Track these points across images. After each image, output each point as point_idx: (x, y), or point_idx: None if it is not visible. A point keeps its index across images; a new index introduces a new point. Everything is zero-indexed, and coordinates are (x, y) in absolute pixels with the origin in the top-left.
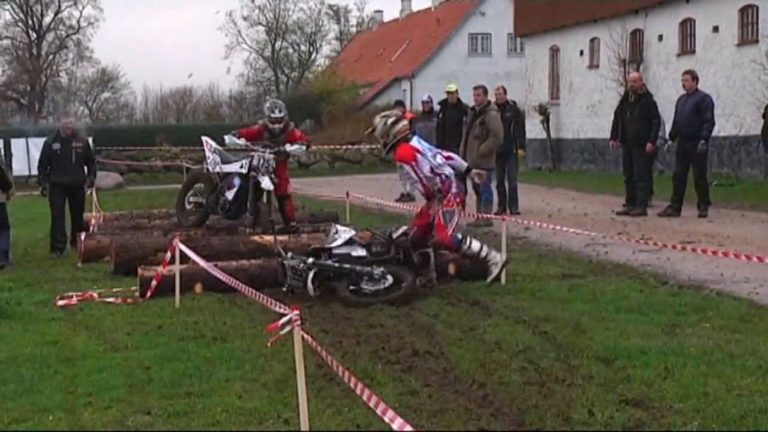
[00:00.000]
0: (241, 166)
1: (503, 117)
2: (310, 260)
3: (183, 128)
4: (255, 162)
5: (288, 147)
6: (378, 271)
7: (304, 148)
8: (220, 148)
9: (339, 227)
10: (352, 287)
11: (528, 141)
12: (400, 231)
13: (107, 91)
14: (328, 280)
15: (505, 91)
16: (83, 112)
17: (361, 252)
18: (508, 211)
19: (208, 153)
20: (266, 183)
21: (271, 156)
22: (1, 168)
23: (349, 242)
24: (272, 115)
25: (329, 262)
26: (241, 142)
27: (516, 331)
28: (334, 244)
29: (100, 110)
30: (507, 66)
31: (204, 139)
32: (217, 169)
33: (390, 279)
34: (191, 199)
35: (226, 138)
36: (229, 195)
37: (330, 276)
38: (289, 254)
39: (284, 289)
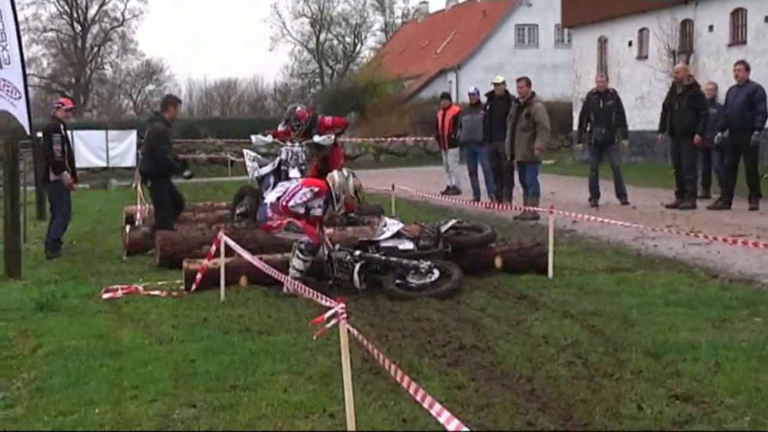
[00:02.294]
0: (273, 164)
1: (604, 105)
2: (357, 253)
3: (227, 121)
4: (284, 156)
5: (315, 138)
6: (425, 264)
7: (332, 137)
8: (258, 156)
9: (387, 220)
10: (398, 281)
11: (574, 133)
12: (449, 224)
13: (152, 84)
14: (374, 274)
15: (607, 79)
16: (128, 105)
17: (408, 245)
18: (618, 200)
19: (248, 162)
20: (293, 173)
21: (300, 148)
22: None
23: (397, 235)
24: (280, 128)
25: (376, 255)
26: (267, 138)
27: (564, 324)
28: (381, 237)
29: (144, 103)
30: (554, 57)
31: (244, 151)
32: (256, 174)
33: (437, 273)
34: (238, 211)
35: (252, 138)
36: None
37: (376, 269)
38: (336, 246)
39: (330, 282)
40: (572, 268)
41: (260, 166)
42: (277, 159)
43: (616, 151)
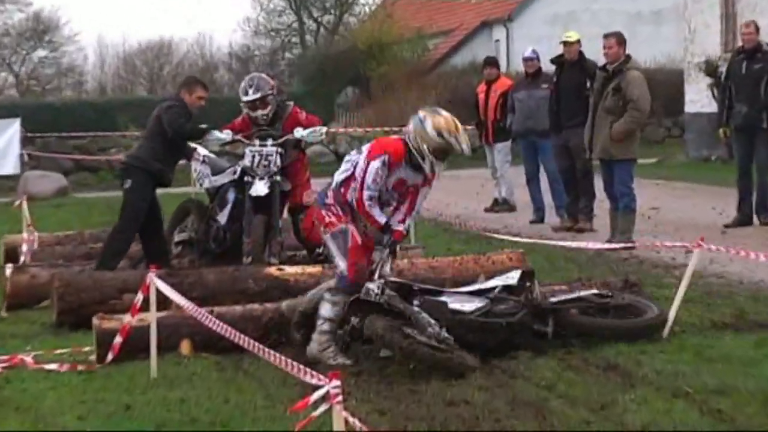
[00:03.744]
0: (234, 172)
1: (749, 69)
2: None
3: (158, 103)
4: (248, 161)
5: (298, 132)
6: (442, 334)
7: (323, 130)
8: (211, 155)
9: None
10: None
11: (688, 116)
12: (579, 293)
13: (42, 48)
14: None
15: (757, 29)
16: (6, 80)
17: (475, 305)
18: (756, 218)
19: (194, 166)
20: (257, 188)
21: (274, 149)
22: None
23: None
24: (245, 98)
25: (401, 305)
26: (225, 135)
27: (674, 409)
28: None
29: (31, 77)
30: (655, 2)
31: (193, 146)
32: (207, 184)
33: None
34: (177, 238)
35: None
36: (222, 218)
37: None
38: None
39: (342, 331)
40: (686, 323)
41: (213, 173)
42: (239, 165)
43: (764, 142)
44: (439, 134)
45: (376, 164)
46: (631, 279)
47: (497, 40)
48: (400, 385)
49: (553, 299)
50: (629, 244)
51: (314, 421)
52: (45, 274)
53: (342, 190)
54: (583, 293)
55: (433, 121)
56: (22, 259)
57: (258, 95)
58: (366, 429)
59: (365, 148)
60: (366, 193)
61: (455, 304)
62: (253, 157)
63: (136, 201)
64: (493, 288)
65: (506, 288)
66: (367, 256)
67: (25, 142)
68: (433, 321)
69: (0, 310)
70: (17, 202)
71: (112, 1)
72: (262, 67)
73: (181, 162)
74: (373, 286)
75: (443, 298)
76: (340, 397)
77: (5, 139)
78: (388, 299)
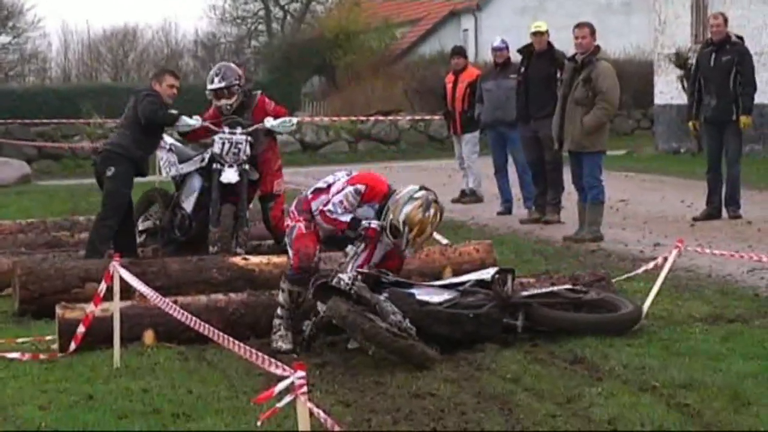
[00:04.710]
0: (202, 160)
1: (718, 61)
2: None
3: (122, 90)
4: (217, 149)
5: (268, 122)
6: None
7: (294, 121)
8: (176, 143)
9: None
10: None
11: (657, 108)
12: (546, 289)
13: (6, 34)
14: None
15: (725, 21)
16: None
17: (444, 296)
18: (725, 211)
19: (160, 154)
20: (228, 175)
21: (243, 137)
22: None
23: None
24: (210, 86)
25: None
26: (194, 121)
27: (640, 402)
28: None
29: None
30: None
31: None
32: (173, 172)
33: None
34: (141, 226)
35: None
36: (188, 205)
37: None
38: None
39: (305, 327)
40: (656, 316)
41: (180, 161)
42: (207, 153)
43: (734, 134)
44: (404, 223)
45: (350, 189)
46: (599, 272)
47: (465, 30)
48: (365, 376)
49: (525, 293)
50: (596, 235)
51: (278, 412)
52: (7, 262)
53: (309, 197)
54: (556, 288)
55: (413, 208)
56: None
57: (223, 84)
58: (330, 421)
59: (354, 172)
60: (328, 207)
61: (423, 295)
62: (223, 144)
63: (120, 188)
64: (465, 282)
65: (479, 282)
66: (313, 243)
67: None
68: (397, 311)
69: None
70: None
71: None
72: (228, 55)
73: None
74: (344, 276)
75: (412, 290)
76: (304, 389)
77: None
78: (358, 290)
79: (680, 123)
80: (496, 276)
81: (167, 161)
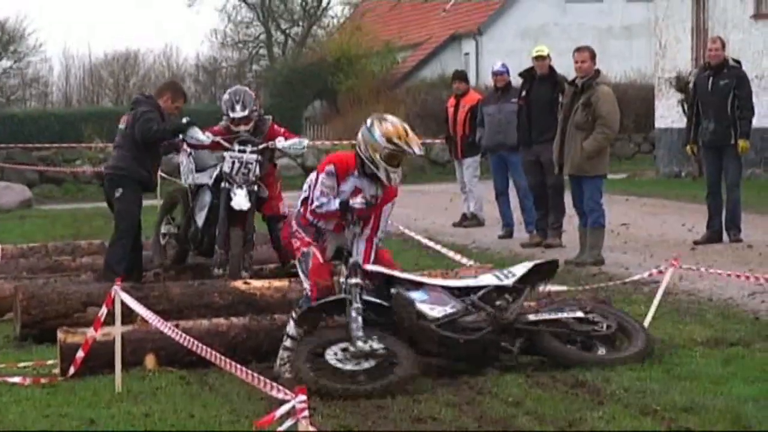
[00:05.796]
0: (211, 176)
1: (716, 85)
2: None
3: (124, 114)
4: (227, 167)
5: (280, 142)
6: (367, 344)
7: (305, 143)
8: (196, 152)
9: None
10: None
11: (658, 132)
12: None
13: (7, 58)
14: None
15: (723, 45)
16: None
17: (447, 309)
18: (726, 235)
19: (182, 158)
20: (238, 200)
21: (254, 157)
22: None
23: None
24: (231, 115)
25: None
26: (204, 137)
27: (642, 426)
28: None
29: None
30: (626, 17)
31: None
32: (189, 180)
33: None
34: (164, 230)
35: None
36: (199, 219)
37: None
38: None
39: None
40: (656, 339)
41: (198, 170)
42: (217, 170)
43: (733, 158)
44: (389, 140)
45: (322, 176)
46: (600, 296)
47: (467, 54)
48: (366, 400)
49: (531, 317)
50: (597, 260)
51: None
52: (8, 287)
53: (302, 211)
54: (565, 315)
55: (381, 129)
56: None
57: (245, 113)
58: None
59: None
60: (314, 204)
61: (425, 305)
62: (233, 163)
63: (129, 208)
64: (482, 288)
65: (498, 289)
66: (329, 273)
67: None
68: (360, 336)
69: None
70: None
71: (78, 12)
72: (230, 79)
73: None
74: (354, 283)
75: (417, 294)
76: (306, 413)
77: None
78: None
79: (681, 147)
80: (517, 286)
81: (186, 167)
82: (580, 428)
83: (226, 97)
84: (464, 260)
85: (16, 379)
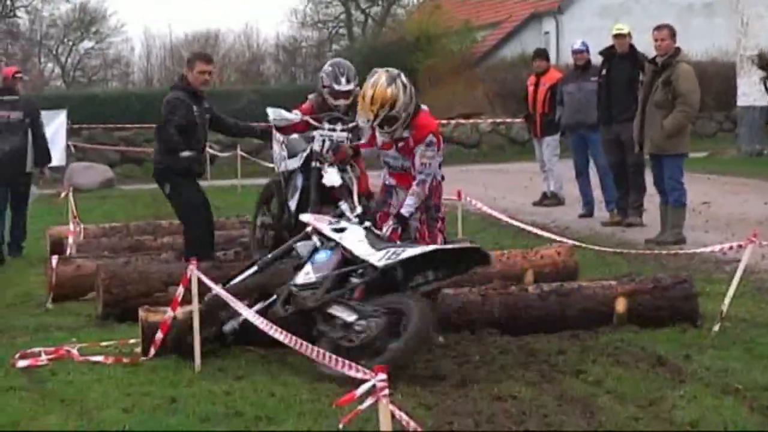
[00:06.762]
0: (300, 157)
1: None
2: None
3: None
4: (317, 146)
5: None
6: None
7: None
8: (289, 137)
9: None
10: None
11: (740, 110)
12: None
13: (89, 39)
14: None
15: None
16: (53, 71)
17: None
18: None
19: (274, 147)
20: (330, 177)
21: (344, 134)
22: None
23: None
24: (336, 87)
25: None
26: (291, 115)
27: (723, 405)
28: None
29: (78, 67)
30: None
31: (272, 118)
32: (282, 168)
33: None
34: (259, 221)
35: (270, 111)
36: (292, 204)
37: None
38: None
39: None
40: (737, 318)
41: (289, 156)
42: (307, 150)
43: None
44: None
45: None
46: (682, 274)
47: (547, 32)
48: (446, 379)
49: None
50: (678, 238)
51: (360, 415)
52: (90, 266)
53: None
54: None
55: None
56: (67, 250)
57: (351, 86)
58: (412, 423)
59: None
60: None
61: (309, 266)
62: (323, 142)
63: (185, 200)
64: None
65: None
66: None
67: (71, 133)
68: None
69: (46, 302)
70: (63, 194)
71: None
72: (310, 59)
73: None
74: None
75: (320, 254)
76: (386, 391)
77: (51, 131)
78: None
79: (763, 125)
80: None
81: (279, 155)
82: (660, 407)
83: (328, 68)
84: (552, 236)
85: (99, 358)
